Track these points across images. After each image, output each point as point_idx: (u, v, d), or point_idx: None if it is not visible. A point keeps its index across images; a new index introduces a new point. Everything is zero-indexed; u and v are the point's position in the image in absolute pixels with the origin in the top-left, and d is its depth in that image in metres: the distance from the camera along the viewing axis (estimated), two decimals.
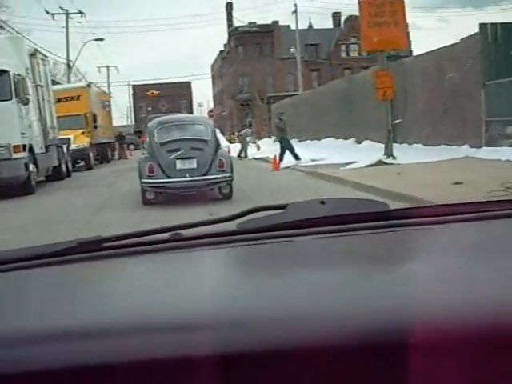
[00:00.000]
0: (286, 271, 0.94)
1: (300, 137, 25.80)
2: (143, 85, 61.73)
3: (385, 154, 12.26)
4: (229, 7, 57.47)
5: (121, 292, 0.88)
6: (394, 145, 12.88)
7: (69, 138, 18.63)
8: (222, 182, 9.46)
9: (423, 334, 0.62)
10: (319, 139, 22.97)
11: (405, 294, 0.73)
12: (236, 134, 40.56)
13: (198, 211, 7.78)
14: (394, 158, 12.08)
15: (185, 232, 1.13)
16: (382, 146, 14.60)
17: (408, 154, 12.21)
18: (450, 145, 12.83)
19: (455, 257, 0.96)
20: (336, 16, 56.99)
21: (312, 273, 0.91)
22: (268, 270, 0.97)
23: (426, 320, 0.64)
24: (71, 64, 33.32)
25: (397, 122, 12.24)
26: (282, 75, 52.42)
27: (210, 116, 39.79)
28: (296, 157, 15.17)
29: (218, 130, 23.87)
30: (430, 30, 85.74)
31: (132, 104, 70.26)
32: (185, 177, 9.25)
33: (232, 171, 9.48)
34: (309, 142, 23.78)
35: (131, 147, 40.22)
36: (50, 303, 0.82)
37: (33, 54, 13.58)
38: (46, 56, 15.85)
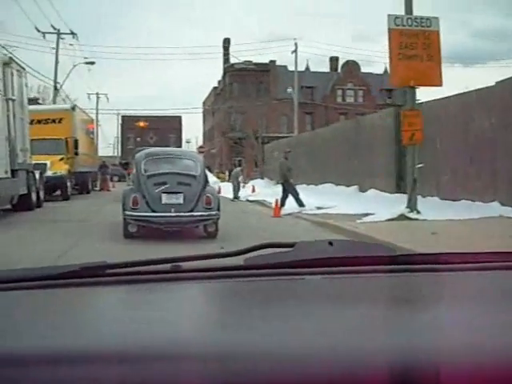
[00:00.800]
0: (292, 308, 0.92)
1: (295, 180, 24.68)
2: (132, 116, 60.72)
3: (407, 206, 10.70)
4: (226, 43, 56.93)
5: (117, 319, 0.88)
6: (404, 196, 11.37)
7: (45, 164, 17.30)
8: (207, 219, 9.10)
9: (430, 379, 0.64)
10: (316, 184, 21.76)
11: (408, 340, 0.73)
12: (226, 172, 39.54)
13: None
14: (419, 212, 10.45)
15: (189, 264, 1.11)
16: (389, 195, 13.92)
17: (430, 209, 10.69)
18: (473, 200, 11.31)
19: (459, 304, 0.97)
20: (333, 60, 58.27)
21: (319, 312, 0.89)
22: (273, 306, 0.96)
23: (432, 365, 0.65)
24: (59, 86, 31.61)
25: (420, 166, 10.65)
26: (276, 116, 53.23)
27: (201, 152, 39.24)
28: (300, 203, 13.74)
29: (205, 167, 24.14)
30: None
31: (120, 134, 69.82)
32: (170, 212, 8.89)
33: (219, 209, 9.17)
34: (305, 186, 22.51)
35: (115, 179, 39.29)
36: (47, 325, 0.82)
37: (7, 63, 11.98)
38: (23, 68, 14.34)
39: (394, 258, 1.19)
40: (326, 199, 15.05)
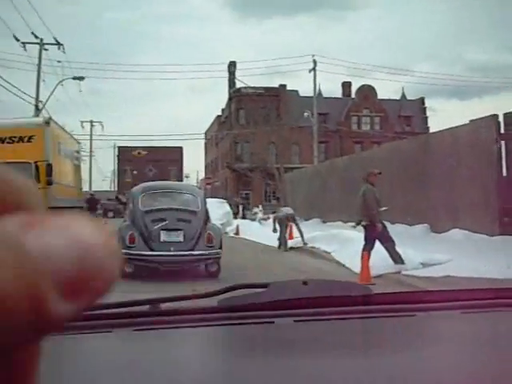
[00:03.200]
0: (263, 354, 0.98)
1: (328, 216, 22.76)
2: (130, 147, 60.71)
3: None
4: (232, 67, 56.54)
5: (92, 367, 0.92)
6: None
7: None
8: (209, 258, 9.42)
9: None
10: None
11: None
12: (240, 207, 39.41)
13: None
14: None
15: (165, 305, 1.21)
16: (488, 238, 11.59)
17: None
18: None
19: (434, 346, 1.01)
20: (346, 85, 58.07)
21: (290, 358, 0.94)
22: (245, 352, 1.03)
23: None
24: (41, 105, 28.06)
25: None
26: (287, 145, 51.47)
27: (208, 184, 39.30)
28: (397, 257, 9.80)
29: (225, 203, 23.58)
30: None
31: (116, 167, 70.03)
32: (169, 250, 9.15)
33: (221, 247, 9.52)
34: (342, 224, 18.35)
35: (110, 214, 39.20)
36: None
37: None
38: None
39: (369, 297, 1.26)
40: (420, 248, 10.73)
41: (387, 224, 10.28)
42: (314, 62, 35.85)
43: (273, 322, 1.16)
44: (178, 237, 9.26)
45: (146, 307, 1.19)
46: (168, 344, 1.11)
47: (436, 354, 0.94)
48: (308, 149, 44.64)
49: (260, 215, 24.93)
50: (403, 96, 59.59)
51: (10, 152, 15.40)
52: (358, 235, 10.83)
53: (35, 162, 16.34)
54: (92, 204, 26.27)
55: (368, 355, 1.02)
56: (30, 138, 16.99)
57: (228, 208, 24.37)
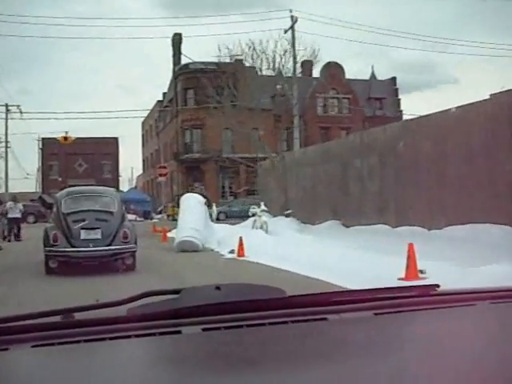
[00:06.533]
0: (169, 367, 1.19)
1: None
2: (56, 138, 50.42)
3: None
4: (177, 40, 54.59)
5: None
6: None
7: None
8: (125, 253, 12.69)
9: None
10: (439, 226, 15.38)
11: None
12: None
13: None
14: None
15: (77, 315, 1.43)
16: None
17: None
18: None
19: (347, 350, 1.24)
20: (306, 64, 49.94)
21: (196, 369, 1.15)
22: (150, 365, 1.23)
23: None
24: None
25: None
26: (245, 131, 48.49)
27: (162, 175, 37.90)
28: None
29: (203, 202, 18.65)
30: None
31: (40, 162, 67.23)
32: (88, 246, 12.30)
33: (136, 243, 12.90)
34: (421, 229, 15.53)
35: (30, 219, 38.52)
36: None
37: None
38: None
39: (283, 300, 1.47)
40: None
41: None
42: (292, 18, 34.52)
43: (180, 332, 1.34)
44: (97, 234, 12.58)
45: (57, 318, 1.35)
46: (71, 360, 1.25)
47: (349, 357, 1.16)
48: (270, 135, 44.53)
49: (263, 218, 20.49)
50: (373, 76, 60.19)
51: None
52: None
53: None
54: None
55: (279, 363, 1.14)
56: None
57: (204, 209, 19.49)
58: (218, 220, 31.42)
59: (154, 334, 1.33)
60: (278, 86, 38.11)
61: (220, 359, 1.20)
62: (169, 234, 22.85)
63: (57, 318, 1.40)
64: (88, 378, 1.12)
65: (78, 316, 1.43)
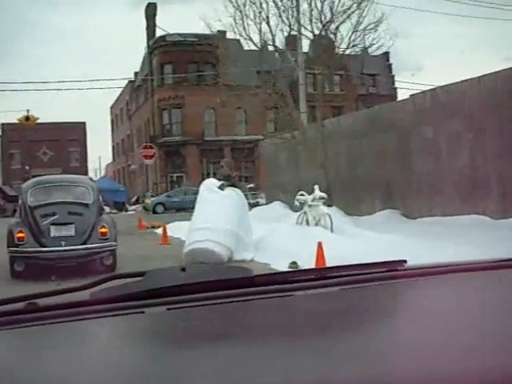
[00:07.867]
0: (133, 346, 1.22)
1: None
2: (17, 123, 48.90)
3: None
4: (151, 9, 52.85)
5: None
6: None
7: None
8: (104, 251, 11.37)
9: None
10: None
11: (262, 373, 0.97)
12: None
13: None
14: None
15: (40, 301, 1.45)
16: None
17: None
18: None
19: (312, 324, 1.31)
20: (290, 39, 50.48)
21: (162, 348, 1.19)
22: (115, 345, 1.28)
23: None
24: None
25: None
26: (229, 110, 47.68)
27: (147, 157, 36.65)
28: None
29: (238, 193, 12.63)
30: None
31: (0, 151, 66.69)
32: (60, 245, 10.95)
33: (116, 239, 11.47)
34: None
35: None
36: None
37: None
38: None
39: (249, 279, 1.55)
40: None
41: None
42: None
43: (143, 312, 1.39)
44: (69, 231, 11.22)
45: (20, 304, 1.40)
46: (41, 341, 1.30)
47: (315, 330, 1.23)
48: (257, 115, 43.62)
49: (322, 209, 15.61)
50: (365, 50, 57.95)
51: None
52: None
53: None
54: None
55: (244, 337, 1.21)
56: None
57: (241, 202, 13.82)
58: None
59: (116, 315, 1.39)
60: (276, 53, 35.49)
61: (185, 335, 1.26)
62: (169, 233, 17.88)
63: (20, 305, 1.45)
64: (51, 359, 1.16)
65: (40, 302, 1.47)
